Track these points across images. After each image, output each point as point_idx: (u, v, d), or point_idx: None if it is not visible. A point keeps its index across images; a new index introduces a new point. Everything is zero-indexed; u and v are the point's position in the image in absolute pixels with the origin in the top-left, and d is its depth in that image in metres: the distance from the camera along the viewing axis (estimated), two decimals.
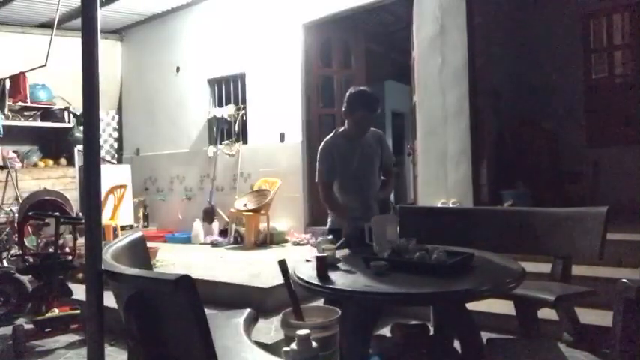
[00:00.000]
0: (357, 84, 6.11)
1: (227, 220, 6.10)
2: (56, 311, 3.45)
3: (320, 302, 2.60)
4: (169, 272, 2.88)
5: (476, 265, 2.12)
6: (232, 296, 3.64)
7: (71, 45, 5.09)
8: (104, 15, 6.36)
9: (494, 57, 5.35)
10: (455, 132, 4.66)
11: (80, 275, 4.23)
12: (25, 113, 6.59)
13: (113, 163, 7.60)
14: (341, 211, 2.83)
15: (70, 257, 3.86)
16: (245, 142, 6.35)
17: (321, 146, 2.91)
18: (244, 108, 6.37)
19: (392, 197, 8.96)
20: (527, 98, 5.70)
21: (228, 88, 6.61)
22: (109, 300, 1.62)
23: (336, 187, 2.89)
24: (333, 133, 2.97)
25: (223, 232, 6.09)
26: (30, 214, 3.82)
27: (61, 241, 4.09)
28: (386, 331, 2.91)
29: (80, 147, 6.51)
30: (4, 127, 5.97)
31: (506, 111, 5.62)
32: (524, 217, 3.00)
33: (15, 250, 4.49)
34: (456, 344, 2.28)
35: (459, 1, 4.63)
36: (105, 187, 5.22)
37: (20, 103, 6.35)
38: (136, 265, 1.94)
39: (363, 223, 2.52)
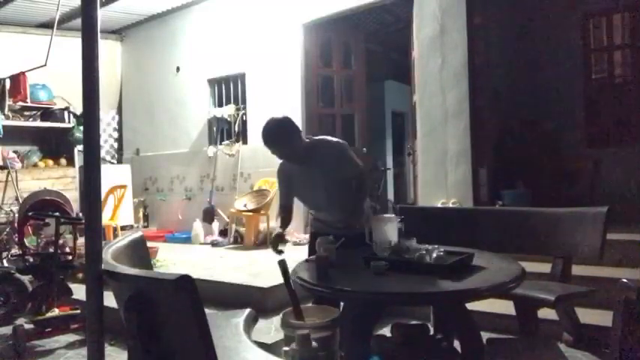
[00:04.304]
0: (357, 84, 6.22)
1: (227, 220, 6.10)
2: (56, 311, 3.45)
3: None
4: (169, 272, 2.88)
5: (476, 265, 2.12)
6: (232, 296, 3.64)
7: (71, 45, 5.09)
8: (104, 15, 6.36)
9: (494, 57, 5.35)
10: (455, 132, 4.66)
11: (80, 275, 4.23)
12: (25, 113, 6.58)
13: (113, 163, 7.60)
14: (283, 224, 2.77)
15: (70, 257, 3.86)
16: (245, 142, 6.34)
17: (277, 169, 2.86)
18: (244, 108, 6.37)
19: (392, 197, 8.98)
20: (527, 98, 5.69)
21: (228, 88, 6.61)
22: (109, 300, 1.62)
23: (307, 206, 2.90)
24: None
25: (223, 232, 6.09)
26: (30, 214, 3.82)
27: (61, 241, 4.08)
28: (386, 331, 2.91)
29: (80, 147, 6.51)
30: (4, 127, 5.97)
31: (506, 111, 5.62)
32: (524, 217, 3.00)
33: (15, 250, 4.49)
34: (456, 344, 2.28)
35: (459, 2, 4.63)
36: (105, 187, 5.22)
37: (20, 103, 6.34)
38: (136, 265, 1.94)
39: (342, 231, 2.55)
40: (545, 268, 2.94)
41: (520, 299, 2.52)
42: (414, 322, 2.72)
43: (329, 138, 2.78)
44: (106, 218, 5.60)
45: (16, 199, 5.90)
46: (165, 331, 1.46)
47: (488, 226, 3.05)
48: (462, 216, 3.46)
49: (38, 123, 6.63)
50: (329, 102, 6.18)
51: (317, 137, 2.82)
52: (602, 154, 5.39)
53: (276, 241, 2.69)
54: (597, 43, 5.81)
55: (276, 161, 6.29)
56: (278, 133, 2.60)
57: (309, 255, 2.74)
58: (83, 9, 1.58)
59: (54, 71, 5.98)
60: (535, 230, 2.88)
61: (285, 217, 2.80)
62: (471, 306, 2.22)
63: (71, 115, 6.74)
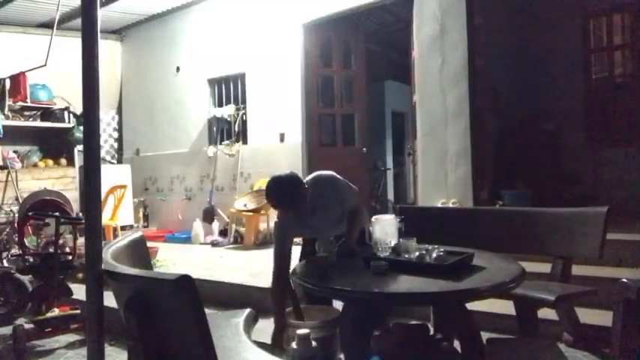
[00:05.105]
0: (357, 84, 6.22)
1: (227, 220, 6.10)
2: (56, 311, 3.45)
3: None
4: (169, 272, 2.88)
5: (476, 265, 2.13)
6: (232, 296, 3.64)
7: (71, 45, 5.09)
8: (104, 15, 6.36)
9: (494, 57, 5.35)
10: (455, 132, 4.65)
11: (80, 275, 4.23)
12: (25, 113, 6.58)
13: (113, 163, 7.60)
14: (274, 306, 2.53)
15: (70, 257, 3.86)
16: (245, 142, 6.34)
17: (275, 224, 2.67)
18: (244, 108, 6.37)
19: (392, 197, 8.96)
20: (527, 98, 5.69)
21: (228, 88, 6.61)
22: (109, 300, 1.62)
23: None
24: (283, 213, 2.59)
25: (223, 232, 6.09)
26: (30, 214, 3.82)
27: (61, 241, 4.09)
28: None
29: (80, 147, 6.51)
30: (4, 127, 5.97)
31: (506, 111, 5.62)
32: (524, 217, 3.00)
33: (15, 250, 4.49)
34: (456, 344, 2.28)
35: (459, 2, 4.63)
36: (105, 187, 5.22)
37: (20, 103, 6.34)
38: (136, 265, 1.95)
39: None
40: (545, 268, 2.93)
41: (520, 299, 2.51)
42: (414, 322, 2.72)
43: (322, 176, 2.59)
44: (106, 218, 5.60)
45: (16, 199, 5.90)
46: (165, 331, 1.46)
47: (489, 226, 3.05)
48: (462, 216, 3.46)
49: (38, 123, 6.62)
50: (329, 102, 6.18)
51: (310, 177, 2.58)
52: (602, 154, 5.39)
53: (279, 337, 2.40)
54: (597, 43, 5.81)
55: (276, 160, 6.26)
56: (286, 194, 2.40)
57: (301, 257, 2.74)
58: (83, 9, 1.58)
59: (54, 71, 5.98)
60: (535, 230, 2.88)
61: (282, 289, 2.49)
62: (471, 306, 2.22)
63: (71, 115, 6.73)
